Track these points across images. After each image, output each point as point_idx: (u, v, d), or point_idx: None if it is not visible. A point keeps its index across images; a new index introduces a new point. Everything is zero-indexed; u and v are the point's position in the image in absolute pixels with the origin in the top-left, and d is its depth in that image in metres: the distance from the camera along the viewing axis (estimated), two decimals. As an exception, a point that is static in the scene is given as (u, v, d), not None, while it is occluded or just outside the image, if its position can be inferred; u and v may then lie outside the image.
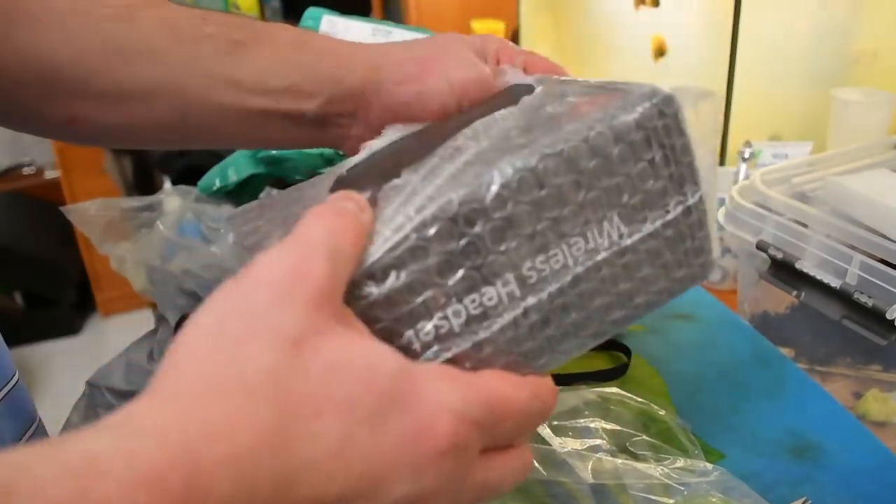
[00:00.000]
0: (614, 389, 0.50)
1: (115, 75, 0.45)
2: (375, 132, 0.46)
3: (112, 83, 0.45)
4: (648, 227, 0.34)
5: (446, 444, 0.27)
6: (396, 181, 0.33)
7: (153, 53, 0.45)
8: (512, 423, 0.30)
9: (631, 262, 0.34)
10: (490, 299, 0.31)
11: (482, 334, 0.31)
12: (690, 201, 0.35)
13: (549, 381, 0.33)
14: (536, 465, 0.43)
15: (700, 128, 0.35)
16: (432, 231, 0.30)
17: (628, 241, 0.34)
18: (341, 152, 0.53)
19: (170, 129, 0.48)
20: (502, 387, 0.30)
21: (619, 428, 0.47)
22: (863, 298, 0.61)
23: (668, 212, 0.35)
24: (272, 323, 0.26)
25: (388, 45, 0.49)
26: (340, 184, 0.39)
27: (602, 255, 0.33)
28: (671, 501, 0.42)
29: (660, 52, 1.26)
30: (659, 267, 0.35)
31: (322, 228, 0.28)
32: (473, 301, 0.31)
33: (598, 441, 0.46)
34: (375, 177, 0.36)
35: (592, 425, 0.47)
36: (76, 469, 0.21)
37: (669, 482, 0.43)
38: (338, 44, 0.48)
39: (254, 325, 0.26)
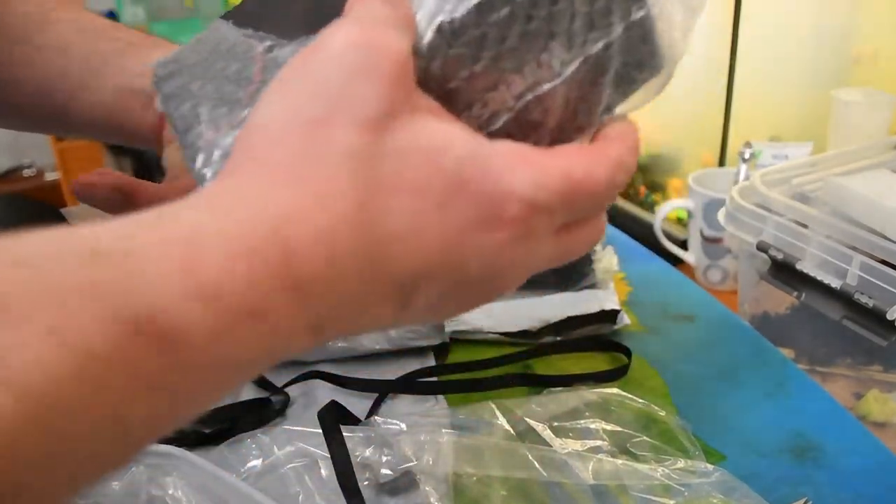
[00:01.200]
0: (615, 390, 0.50)
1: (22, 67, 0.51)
2: None
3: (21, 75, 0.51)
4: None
5: (514, 231, 0.27)
6: None
7: (59, 48, 0.50)
8: (589, 202, 0.29)
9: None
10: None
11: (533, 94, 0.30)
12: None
13: (628, 132, 0.32)
14: (536, 465, 0.43)
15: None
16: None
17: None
18: None
19: (52, 109, 0.52)
20: (580, 166, 0.28)
21: (619, 429, 0.47)
22: (863, 299, 0.61)
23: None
24: (351, 104, 0.25)
25: None
26: None
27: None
28: (672, 502, 0.42)
29: (660, 52, 1.27)
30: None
31: (379, 2, 0.28)
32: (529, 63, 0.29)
33: (598, 442, 0.46)
34: None
35: (593, 426, 0.47)
36: (179, 240, 0.22)
37: (670, 483, 0.43)
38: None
39: (332, 107, 0.25)
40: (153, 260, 0.21)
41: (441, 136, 0.27)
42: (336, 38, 0.26)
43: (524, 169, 0.27)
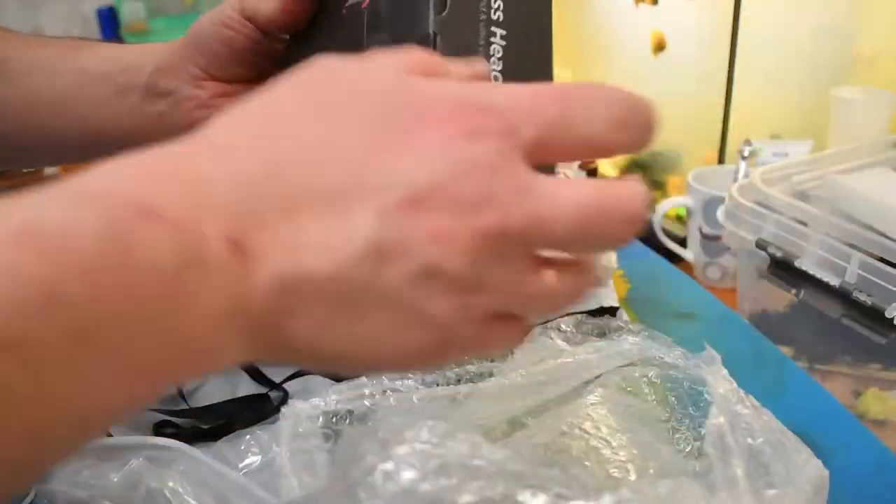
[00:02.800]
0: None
1: None
2: (198, 82, 0.48)
3: None
4: None
5: (450, 125, 0.24)
6: None
7: (4, 61, 0.49)
8: (557, 110, 0.25)
9: None
10: None
11: None
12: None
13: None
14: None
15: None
16: None
17: None
18: None
19: (25, 139, 0.51)
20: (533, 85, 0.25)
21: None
22: (862, 297, 0.61)
23: None
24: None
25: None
26: None
27: None
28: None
29: (659, 46, 1.26)
30: None
31: None
32: None
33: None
34: None
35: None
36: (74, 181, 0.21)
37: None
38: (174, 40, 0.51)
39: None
40: (38, 194, 0.21)
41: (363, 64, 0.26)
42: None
43: (447, 80, 0.26)
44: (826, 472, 0.39)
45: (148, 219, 0.20)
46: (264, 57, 0.48)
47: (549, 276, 0.26)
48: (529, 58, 0.34)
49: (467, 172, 0.23)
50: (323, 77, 0.26)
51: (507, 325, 0.27)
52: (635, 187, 0.25)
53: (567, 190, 0.24)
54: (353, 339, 0.24)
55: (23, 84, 0.49)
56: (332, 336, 0.24)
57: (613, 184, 0.25)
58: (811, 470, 0.38)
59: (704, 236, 1.08)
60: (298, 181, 0.23)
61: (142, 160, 0.22)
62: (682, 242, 1.15)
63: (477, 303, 0.24)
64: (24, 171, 2.94)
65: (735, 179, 0.97)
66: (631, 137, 0.26)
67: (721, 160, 1.18)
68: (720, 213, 0.79)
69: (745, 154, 1.00)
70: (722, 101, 1.14)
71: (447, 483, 0.28)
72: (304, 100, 0.25)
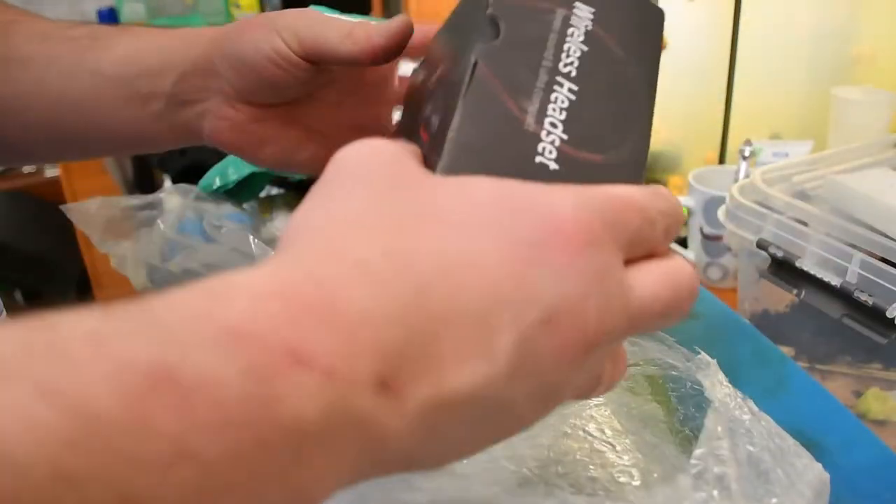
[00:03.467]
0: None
1: None
2: (232, 102, 0.46)
3: None
4: None
5: (575, 238, 0.24)
6: None
7: (22, 60, 0.47)
8: (639, 221, 0.27)
9: None
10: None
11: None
12: None
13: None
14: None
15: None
16: None
17: None
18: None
19: (47, 138, 0.50)
20: (614, 188, 0.27)
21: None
22: (863, 297, 0.61)
23: None
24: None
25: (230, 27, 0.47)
26: None
27: None
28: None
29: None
30: None
31: None
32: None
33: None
34: None
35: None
36: (206, 288, 0.20)
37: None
38: (192, 31, 0.47)
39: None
40: (172, 308, 0.19)
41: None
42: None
43: (562, 189, 0.26)
44: (827, 476, 0.39)
45: (298, 367, 0.19)
46: (309, 86, 0.46)
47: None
48: (607, 124, 0.31)
49: (595, 283, 0.24)
50: (419, 173, 0.26)
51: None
52: (692, 271, 0.28)
53: (658, 291, 0.27)
54: (479, 442, 0.25)
55: (42, 84, 0.47)
56: (462, 448, 0.25)
57: (679, 271, 0.28)
58: (812, 475, 0.38)
59: (705, 236, 1.08)
60: (443, 305, 0.22)
61: (288, 286, 0.21)
62: (683, 242, 1.15)
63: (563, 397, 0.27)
64: (26, 171, 2.94)
65: (736, 179, 0.97)
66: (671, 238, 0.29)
67: (721, 160, 1.18)
68: (721, 214, 0.79)
69: (746, 154, 1.00)
70: (722, 101, 1.14)
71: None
72: (415, 202, 0.25)
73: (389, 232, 0.24)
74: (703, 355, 0.46)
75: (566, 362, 0.24)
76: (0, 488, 0.14)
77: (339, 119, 0.49)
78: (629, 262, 0.27)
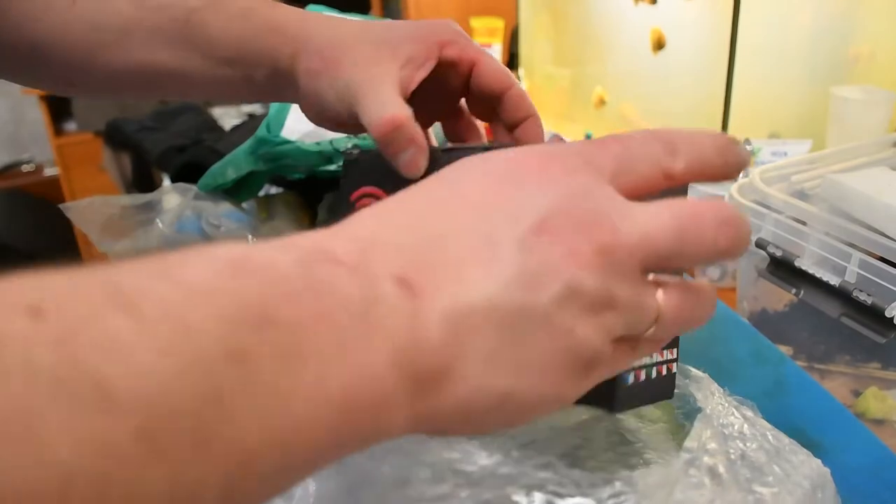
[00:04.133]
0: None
1: (94, 54, 0.51)
2: (313, 110, 0.50)
3: (95, 64, 0.51)
4: None
5: (550, 165, 0.28)
6: None
7: (122, 29, 0.50)
8: (619, 147, 0.29)
9: None
10: None
11: None
12: None
13: None
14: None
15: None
16: None
17: None
18: (341, 150, 0.55)
19: (148, 89, 0.54)
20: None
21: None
22: (862, 296, 0.61)
23: None
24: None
25: (319, 24, 0.50)
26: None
27: None
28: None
29: (659, 44, 1.26)
30: None
31: None
32: None
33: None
34: None
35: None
36: (308, 250, 0.24)
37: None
38: (282, 17, 0.50)
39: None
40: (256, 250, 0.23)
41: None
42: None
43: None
44: (826, 470, 0.39)
45: (332, 262, 0.23)
46: None
47: (661, 295, 0.28)
48: None
49: (580, 196, 0.26)
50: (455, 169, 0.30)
51: (630, 348, 0.29)
52: (722, 202, 0.28)
53: (663, 208, 0.27)
54: (520, 369, 0.25)
55: (143, 52, 0.50)
56: (501, 369, 0.25)
57: (702, 200, 0.29)
58: (809, 468, 0.38)
59: (704, 235, 1.08)
60: (449, 234, 0.26)
61: (326, 233, 0.25)
62: (682, 242, 1.15)
63: (612, 322, 0.27)
64: (25, 170, 2.94)
65: (734, 179, 0.97)
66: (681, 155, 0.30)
67: (720, 159, 1.18)
68: (720, 213, 0.79)
69: (745, 153, 1.00)
70: (721, 100, 1.14)
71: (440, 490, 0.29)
72: (439, 187, 0.29)
73: (417, 202, 0.28)
74: (695, 371, 0.46)
75: (582, 266, 0.25)
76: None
77: None
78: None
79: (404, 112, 0.45)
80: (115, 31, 0.50)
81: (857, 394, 0.69)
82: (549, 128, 1.65)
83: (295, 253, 0.23)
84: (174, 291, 0.19)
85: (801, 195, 0.77)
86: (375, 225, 0.26)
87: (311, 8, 0.86)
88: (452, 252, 0.25)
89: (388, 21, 0.52)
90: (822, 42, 1.12)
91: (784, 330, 0.76)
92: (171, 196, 0.75)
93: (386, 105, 0.45)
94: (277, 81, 0.50)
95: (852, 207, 0.71)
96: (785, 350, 0.72)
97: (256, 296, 0.21)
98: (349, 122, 0.47)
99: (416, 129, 0.45)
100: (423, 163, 0.45)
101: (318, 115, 0.50)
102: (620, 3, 1.35)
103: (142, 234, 0.72)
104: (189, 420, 0.18)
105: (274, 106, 0.73)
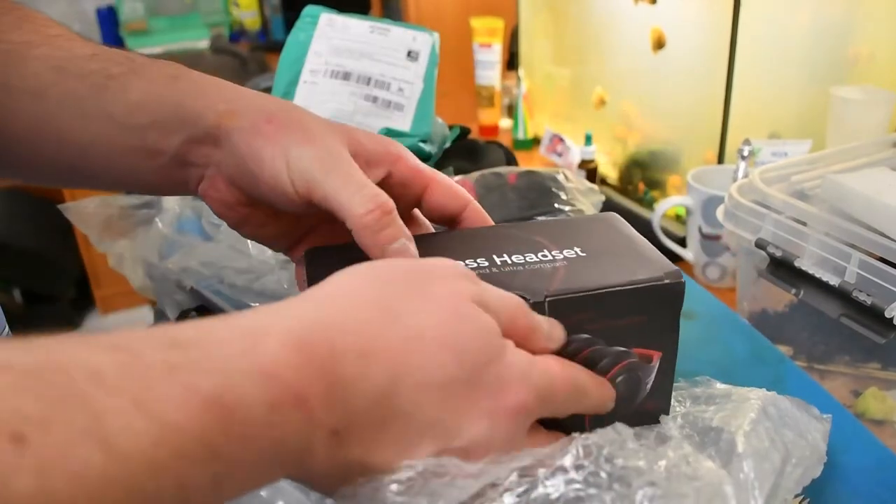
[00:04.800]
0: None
1: (6, 121, 0.46)
2: (227, 181, 0.45)
3: (6, 133, 0.46)
4: None
5: (518, 406, 0.33)
6: None
7: (35, 93, 0.45)
8: (564, 395, 0.36)
9: None
10: None
11: None
12: None
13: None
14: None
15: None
16: None
17: None
18: None
19: (53, 169, 0.49)
20: (566, 369, 0.37)
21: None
22: (861, 296, 0.61)
23: None
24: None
25: (259, 94, 0.45)
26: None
27: None
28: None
29: (659, 43, 1.26)
30: None
31: None
32: None
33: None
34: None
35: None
36: (246, 329, 0.28)
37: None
38: (211, 83, 0.46)
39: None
40: (222, 345, 0.27)
41: (484, 320, 0.34)
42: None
43: (531, 359, 0.35)
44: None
45: (298, 407, 0.27)
46: (302, 211, 0.44)
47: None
48: None
49: (512, 443, 0.33)
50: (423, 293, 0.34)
51: None
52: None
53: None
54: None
55: (53, 122, 0.46)
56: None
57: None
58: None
59: (704, 236, 1.08)
60: (403, 407, 0.31)
61: (309, 339, 0.29)
62: (682, 242, 1.15)
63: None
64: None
65: (734, 179, 0.97)
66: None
67: (720, 160, 1.18)
68: (719, 213, 0.79)
69: (745, 154, 1.00)
70: (721, 100, 1.14)
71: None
72: (415, 311, 0.33)
73: (390, 328, 0.32)
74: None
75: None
76: (102, 469, 0.21)
77: (324, 217, 0.46)
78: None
79: (387, 196, 0.41)
80: (27, 95, 0.45)
81: (856, 394, 0.69)
82: (549, 128, 1.66)
83: (274, 391, 0.27)
84: (149, 427, 0.23)
85: (801, 195, 0.77)
86: (361, 362, 0.30)
87: (310, 8, 0.86)
88: (389, 433, 0.31)
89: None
90: (822, 42, 1.12)
91: (784, 330, 0.76)
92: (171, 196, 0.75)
93: (365, 186, 0.40)
94: (189, 150, 0.45)
95: (852, 208, 0.71)
96: (785, 350, 0.72)
97: (217, 438, 0.24)
98: (292, 199, 0.42)
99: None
100: (415, 252, 0.41)
101: (246, 185, 0.44)
102: (620, 3, 1.35)
103: (141, 233, 0.72)
104: None
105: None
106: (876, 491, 0.47)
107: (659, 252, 0.41)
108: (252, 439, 0.26)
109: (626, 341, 0.39)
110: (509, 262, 0.40)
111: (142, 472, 0.22)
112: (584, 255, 0.41)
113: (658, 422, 0.42)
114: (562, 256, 0.41)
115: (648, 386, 0.41)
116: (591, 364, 0.39)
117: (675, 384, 0.43)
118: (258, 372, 0.26)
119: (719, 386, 0.46)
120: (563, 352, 0.38)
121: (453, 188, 0.46)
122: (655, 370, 0.41)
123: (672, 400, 0.43)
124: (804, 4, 1.11)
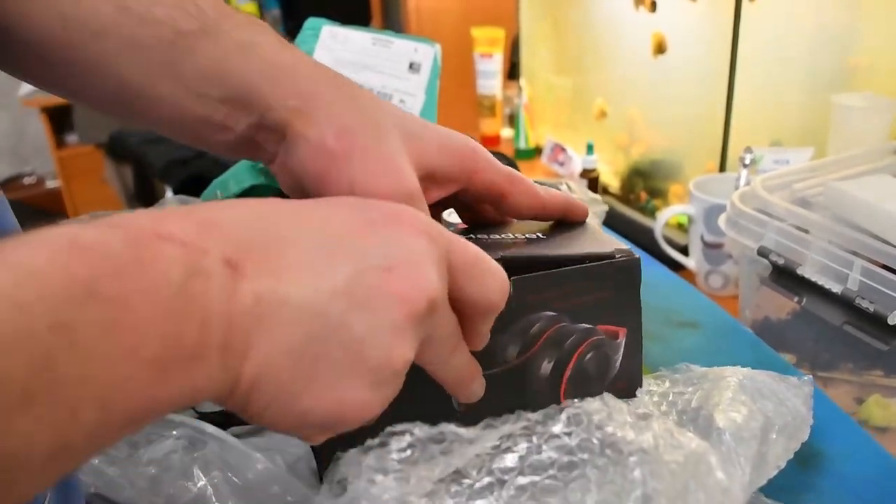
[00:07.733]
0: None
1: (60, 46, 0.42)
2: (291, 175, 0.43)
3: (57, 55, 0.42)
4: None
5: (417, 224, 0.32)
6: None
7: (96, 31, 0.42)
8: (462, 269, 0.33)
9: None
10: None
11: None
12: None
13: None
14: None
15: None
16: None
17: None
18: None
19: (112, 105, 0.45)
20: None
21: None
22: (864, 304, 0.61)
23: None
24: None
25: (331, 85, 0.43)
26: None
27: None
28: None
29: (660, 48, 1.27)
30: None
31: None
32: None
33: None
34: None
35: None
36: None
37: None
38: (285, 63, 0.43)
39: None
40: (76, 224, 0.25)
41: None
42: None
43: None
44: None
45: (162, 239, 0.25)
46: None
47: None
48: None
49: (431, 263, 0.31)
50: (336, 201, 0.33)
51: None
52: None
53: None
54: (316, 380, 0.28)
55: (116, 66, 0.42)
56: (298, 372, 0.28)
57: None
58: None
59: (706, 244, 1.08)
60: (292, 231, 0.29)
61: (162, 213, 0.27)
62: (684, 251, 1.15)
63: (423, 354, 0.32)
64: (27, 183, 2.94)
65: (736, 187, 0.97)
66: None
67: (722, 168, 1.18)
68: (722, 221, 0.79)
69: (747, 162, 1.00)
70: (723, 109, 1.15)
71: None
72: (306, 205, 0.31)
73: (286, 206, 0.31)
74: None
75: (404, 313, 0.29)
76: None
77: None
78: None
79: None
80: (86, 31, 0.42)
81: (860, 401, 0.68)
82: (551, 137, 1.66)
83: (128, 231, 0.25)
84: (7, 273, 0.22)
85: (803, 203, 0.77)
86: (224, 213, 0.28)
87: (312, 21, 0.86)
88: (290, 255, 0.28)
89: (418, 117, 0.45)
90: (823, 50, 1.12)
91: (787, 338, 0.76)
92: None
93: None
94: (258, 133, 0.43)
95: (854, 215, 0.71)
96: (788, 358, 0.72)
97: (83, 273, 0.23)
98: None
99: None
100: None
101: (308, 196, 0.42)
102: (621, 9, 1.36)
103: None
104: (16, 384, 0.20)
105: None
106: (880, 499, 0.47)
107: (615, 239, 0.44)
108: (127, 276, 0.24)
109: (591, 318, 0.42)
110: (473, 236, 0.43)
111: (9, 312, 0.21)
112: (543, 237, 0.44)
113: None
114: (523, 237, 0.44)
115: (618, 363, 0.43)
116: (557, 343, 0.41)
117: (655, 372, 0.45)
118: (106, 224, 0.25)
119: (697, 369, 0.49)
120: (529, 333, 0.40)
121: (529, 197, 0.45)
122: (623, 347, 0.43)
123: (651, 384, 0.46)
124: (805, 12, 1.11)
